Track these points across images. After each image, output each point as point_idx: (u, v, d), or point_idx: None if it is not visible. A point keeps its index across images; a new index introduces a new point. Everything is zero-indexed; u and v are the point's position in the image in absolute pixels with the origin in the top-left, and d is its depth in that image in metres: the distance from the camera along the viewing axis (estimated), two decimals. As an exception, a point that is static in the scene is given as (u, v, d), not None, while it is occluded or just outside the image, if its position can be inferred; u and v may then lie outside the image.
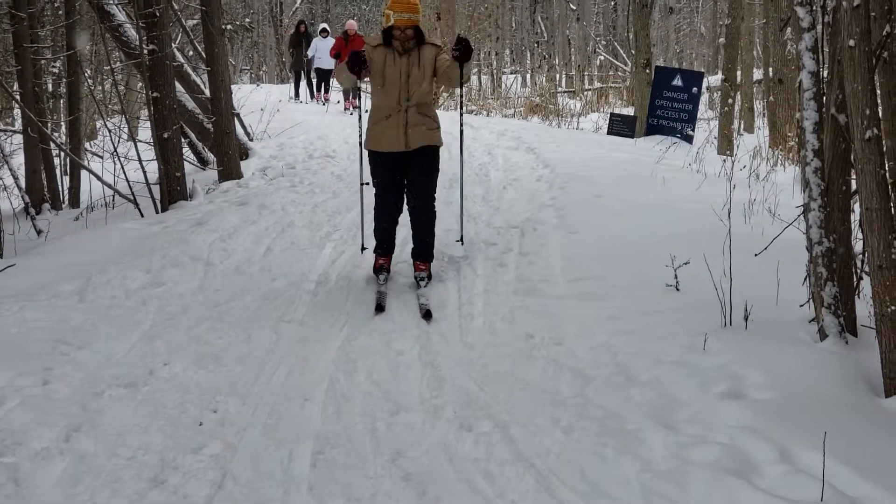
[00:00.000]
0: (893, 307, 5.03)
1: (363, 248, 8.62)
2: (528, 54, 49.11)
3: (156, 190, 11.81)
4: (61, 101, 20.06)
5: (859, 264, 6.22)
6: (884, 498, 4.15)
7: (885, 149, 5.16)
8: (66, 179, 16.94)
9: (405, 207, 8.10)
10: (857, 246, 6.14)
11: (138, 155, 12.14)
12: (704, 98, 25.91)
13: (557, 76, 40.83)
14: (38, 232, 11.97)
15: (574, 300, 7.25)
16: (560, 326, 6.73)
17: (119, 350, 6.48)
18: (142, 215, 11.46)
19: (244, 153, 14.89)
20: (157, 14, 11.58)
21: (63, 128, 19.71)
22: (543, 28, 46.32)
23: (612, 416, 5.24)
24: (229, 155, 13.37)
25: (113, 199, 12.99)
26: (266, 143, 16.59)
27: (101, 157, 15.81)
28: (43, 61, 17.44)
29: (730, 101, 20.47)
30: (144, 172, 12.08)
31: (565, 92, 34.46)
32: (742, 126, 24.51)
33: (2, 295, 7.50)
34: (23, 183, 14.54)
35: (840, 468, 4.34)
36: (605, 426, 5.12)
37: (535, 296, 7.44)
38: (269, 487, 4.64)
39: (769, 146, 18.99)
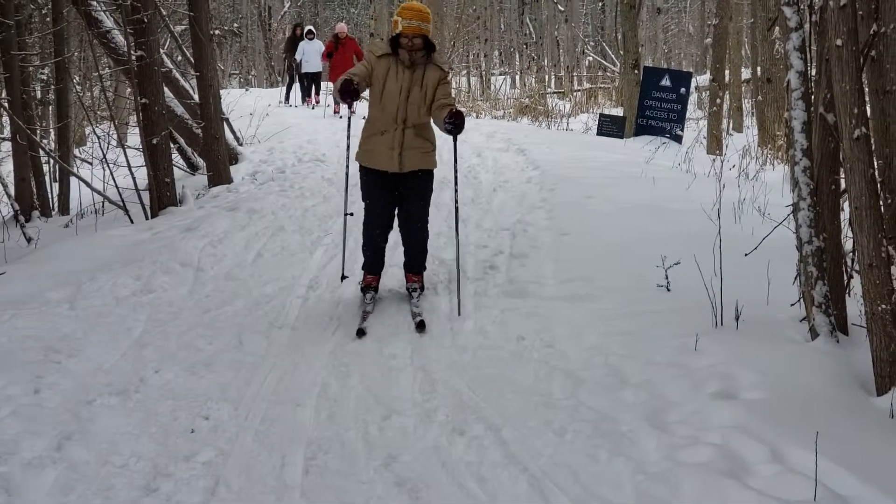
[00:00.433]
0: (884, 305, 5.04)
1: (343, 277, 8.10)
2: (517, 56, 49.12)
3: (145, 196, 11.77)
4: (50, 108, 20.03)
5: (849, 263, 6.24)
6: (876, 496, 4.16)
7: (873, 147, 5.18)
8: (56, 186, 16.87)
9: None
10: (847, 245, 6.15)
11: (127, 161, 12.11)
12: (693, 98, 25.97)
13: (546, 77, 40.85)
14: (28, 240, 11.92)
15: (565, 302, 7.25)
16: (551, 328, 6.74)
17: (110, 358, 6.45)
18: (131, 221, 11.42)
19: (234, 158, 14.88)
20: (145, 20, 11.55)
21: (52, 135, 19.64)
22: (532, 29, 46.27)
23: (605, 417, 5.25)
24: (219, 160, 13.34)
25: (102, 206, 12.93)
26: (256, 147, 16.57)
27: (91, 164, 15.75)
28: (31, 68, 17.39)
29: (718, 100, 20.52)
30: (134, 178, 12.04)
31: (554, 93, 34.50)
32: (731, 125, 24.56)
33: (-8, 303, 7.48)
34: (12, 190, 14.50)
35: (832, 467, 4.34)
36: (597, 428, 5.12)
37: (527, 298, 7.44)
38: (262, 494, 4.62)
39: (758, 145, 19.04)
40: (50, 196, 16.20)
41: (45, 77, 19.62)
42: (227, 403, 5.70)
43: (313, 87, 24.93)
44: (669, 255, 7.24)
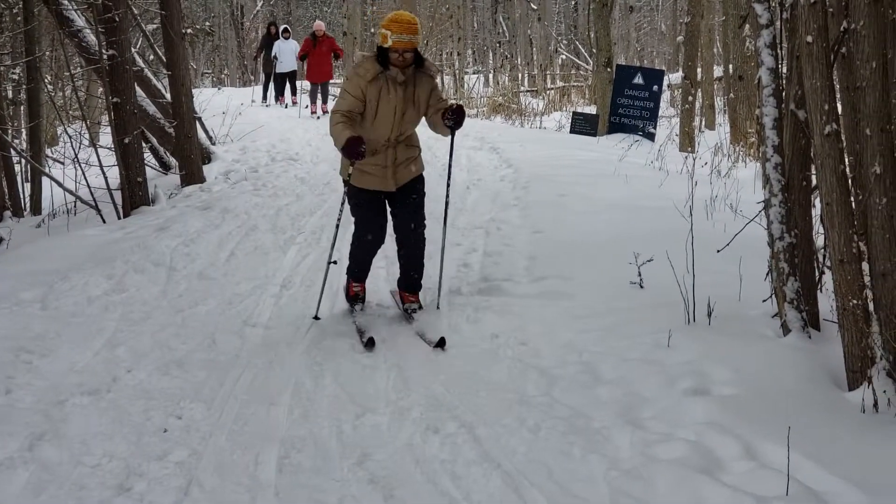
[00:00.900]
0: (855, 301, 5.07)
1: (316, 318, 7.31)
2: (491, 54, 49.12)
3: (117, 196, 11.73)
4: (21, 108, 19.88)
5: (821, 259, 6.27)
6: (848, 490, 4.18)
7: (844, 144, 5.20)
8: (28, 186, 16.78)
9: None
10: (819, 240, 6.18)
11: (99, 160, 12.06)
12: (665, 96, 26.07)
13: (520, 76, 40.90)
14: (0, 240, 11.85)
15: (539, 299, 7.26)
16: (525, 326, 6.74)
17: (82, 357, 6.42)
18: (104, 221, 11.37)
19: (206, 157, 14.83)
20: (117, 19, 11.50)
21: (23, 134, 19.55)
22: (505, 28, 46.27)
23: (579, 414, 5.26)
24: (191, 159, 13.31)
25: (75, 206, 12.86)
26: (229, 146, 16.53)
27: (63, 164, 15.67)
28: (2, 68, 17.28)
29: (690, 98, 20.60)
30: (106, 178, 11.99)
31: (528, 91, 34.51)
32: (703, 123, 24.63)
33: (-38, 304, 7.43)
34: (-17, 191, 14.41)
35: (805, 462, 4.38)
36: (571, 425, 5.13)
37: (500, 295, 7.45)
38: (236, 493, 4.60)
39: (730, 143, 19.10)
40: (22, 196, 16.09)
41: (16, 77, 19.47)
42: (201, 403, 5.67)
43: (287, 86, 24.83)
44: (642, 253, 7.26)
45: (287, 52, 23.84)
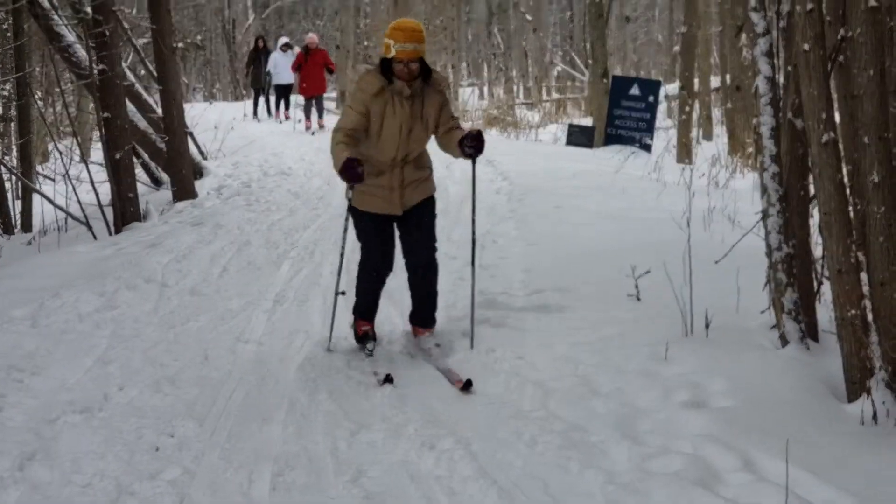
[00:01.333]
0: (854, 311, 5.03)
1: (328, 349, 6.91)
2: (486, 67, 49.22)
3: (109, 212, 11.70)
4: (11, 125, 19.87)
5: (819, 269, 6.23)
6: (848, 504, 4.13)
7: (842, 152, 5.17)
8: (18, 203, 16.76)
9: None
10: (817, 251, 6.13)
11: (90, 177, 12.04)
12: (662, 107, 26.02)
13: (515, 88, 40.93)
14: (-9, 257, 11.81)
15: (535, 312, 7.22)
16: (521, 339, 6.70)
17: (73, 375, 6.36)
18: (95, 238, 11.33)
19: (198, 172, 14.81)
20: (107, 34, 11.47)
21: (14, 151, 19.53)
22: (500, 40, 46.42)
23: (575, 428, 5.20)
24: (183, 174, 13.28)
25: (66, 223, 12.83)
26: (221, 161, 16.52)
27: (53, 180, 15.68)
28: (-8, 84, 17.28)
29: (687, 109, 20.58)
30: (97, 194, 11.96)
31: (523, 104, 34.52)
32: (701, 134, 24.61)
33: (-47, 322, 7.38)
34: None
35: (803, 475, 4.33)
36: (568, 439, 5.07)
37: (496, 309, 7.40)
38: (228, 512, 4.55)
39: (728, 153, 19.07)
40: (12, 213, 16.07)
41: (6, 93, 19.47)
42: (193, 420, 5.61)
43: (283, 100, 24.67)
44: (639, 265, 7.22)
45: (284, 66, 23.65)
